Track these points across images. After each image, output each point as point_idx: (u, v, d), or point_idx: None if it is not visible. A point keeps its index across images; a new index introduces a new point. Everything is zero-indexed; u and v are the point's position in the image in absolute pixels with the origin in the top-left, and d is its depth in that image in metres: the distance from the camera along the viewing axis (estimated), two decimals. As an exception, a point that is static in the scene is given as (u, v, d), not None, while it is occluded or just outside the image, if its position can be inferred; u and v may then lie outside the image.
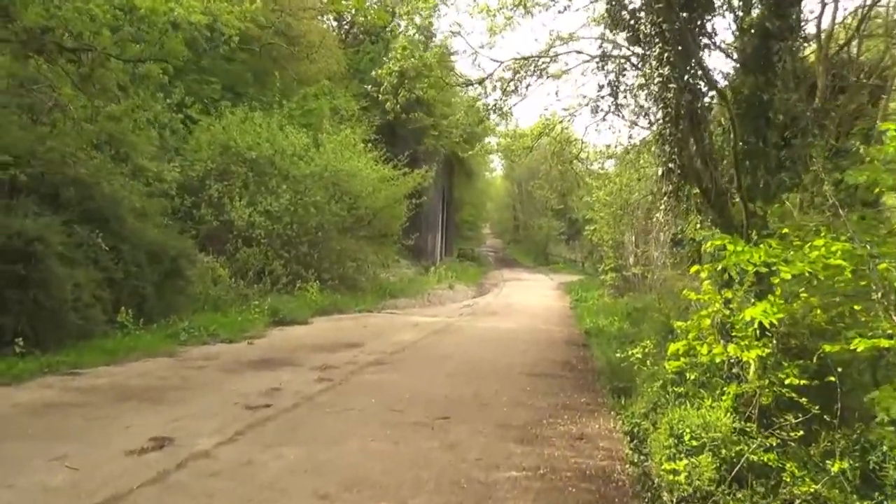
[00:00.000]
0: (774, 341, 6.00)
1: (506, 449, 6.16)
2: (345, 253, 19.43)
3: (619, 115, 14.80)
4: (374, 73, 13.69)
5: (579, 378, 9.96)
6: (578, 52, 12.45)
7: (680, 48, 6.74)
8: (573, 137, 16.48)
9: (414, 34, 15.00)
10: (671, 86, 6.59)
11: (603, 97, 14.06)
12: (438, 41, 17.44)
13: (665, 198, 7.06)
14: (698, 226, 13.46)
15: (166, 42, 12.06)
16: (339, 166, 18.37)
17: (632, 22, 7.42)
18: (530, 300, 23.75)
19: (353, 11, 30.31)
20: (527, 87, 12.66)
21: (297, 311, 14.84)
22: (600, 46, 11.45)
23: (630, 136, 15.69)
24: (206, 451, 5.60)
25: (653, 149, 16.40)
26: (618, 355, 7.22)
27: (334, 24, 33.71)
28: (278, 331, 13.38)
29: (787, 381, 5.49)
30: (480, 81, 13.36)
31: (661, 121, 6.84)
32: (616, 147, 15.89)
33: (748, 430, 5.50)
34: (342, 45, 33.18)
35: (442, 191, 36.74)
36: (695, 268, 6.55)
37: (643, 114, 15.66)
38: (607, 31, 10.97)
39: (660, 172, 7.29)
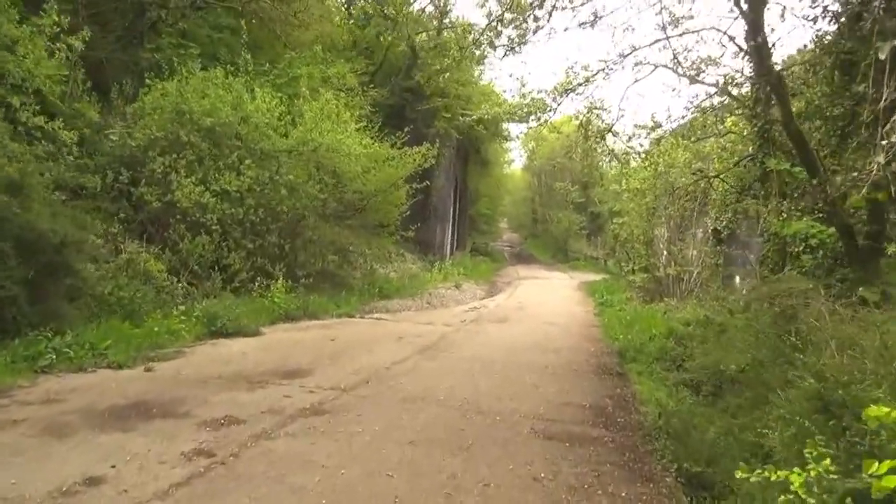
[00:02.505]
0: None
1: None
2: (326, 244, 15.73)
3: (674, 69, 10.99)
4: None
5: (623, 444, 6.18)
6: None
7: None
8: (607, 105, 12.59)
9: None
10: None
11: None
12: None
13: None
14: (782, 213, 9.59)
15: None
16: (318, 139, 14.64)
17: None
18: (547, 303, 19.93)
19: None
20: (549, 16, 8.80)
21: (246, 316, 11.19)
22: None
23: (685, 106, 11.63)
24: None
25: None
26: (742, 475, 3.33)
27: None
28: (210, 346, 9.74)
29: None
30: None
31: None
32: (666, 120, 12.00)
33: None
34: (349, 18, 29.54)
35: (454, 181, 32.95)
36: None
37: (705, 67, 11.82)
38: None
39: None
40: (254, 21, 18.81)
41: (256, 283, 12.93)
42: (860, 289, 7.10)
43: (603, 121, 12.20)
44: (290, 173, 14.24)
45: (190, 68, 14.10)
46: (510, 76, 45.72)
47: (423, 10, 29.86)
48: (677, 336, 12.37)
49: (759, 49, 7.63)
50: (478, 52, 10.02)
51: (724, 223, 18.44)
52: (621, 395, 8.28)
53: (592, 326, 15.04)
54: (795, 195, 9.18)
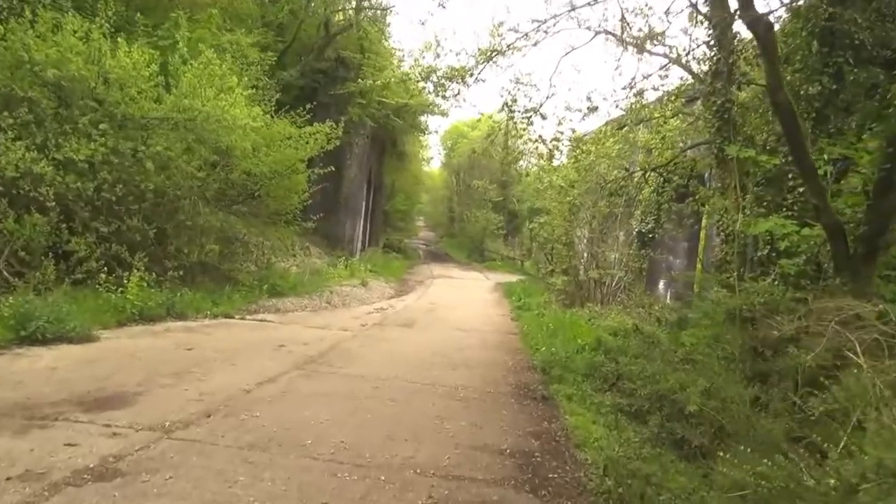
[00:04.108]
0: None
1: None
2: (206, 232, 13.13)
3: (619, 37, 9.17)
4: None
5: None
6: None
7: None
8: (535, 80, 10.64)
9: None
10: None
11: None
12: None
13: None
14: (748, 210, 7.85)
15: None
16: (197, 107, 12.04)
17: None
18: (461, 305, 17.97)
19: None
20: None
21: (80, 317, 8.55)
22: None
23: (624, 86, 9.89)
24: None
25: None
26: None
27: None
28: (9, 357, 7.10)
29: None
30: None
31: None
32: (604, 102, 10.13)
33: None
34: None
35: (368, 173, 30.54)
36: None
37: (651, 40, 10.01)
38: None
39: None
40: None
41: (105, 275, 10.22)
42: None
43: (531, 100, 10.28)
44: (158, 145, 11.61)
45: (37, 12, 11.25)
46: (421, 23, 42.32)
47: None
48: (606, 348, 10.68)
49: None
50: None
51: (651, 225, 17.01)
52: (550, 431, 6.31)
53: (510, 334, 13.14)
54: (760, 188, 7.53)
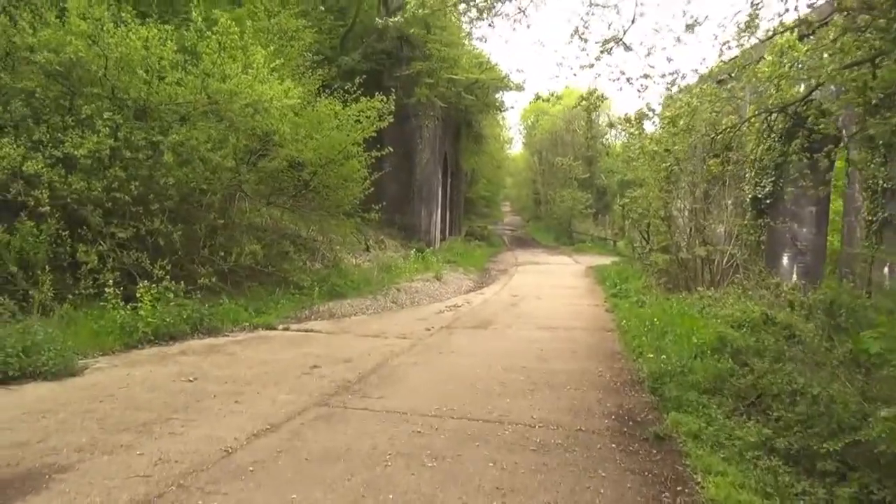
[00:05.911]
0: None
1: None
2: (245, 230, 11.35)
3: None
4: None
5: None
6: None
7: None
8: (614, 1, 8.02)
9: None
10: None
11: None
12: None
13: None
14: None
15: None
16: (222, 87, 10.19)
17: None
18: (547, 296, 15.49)
19: None
20: None
21: (59, 345, 6.75)
22: None
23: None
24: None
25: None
26: None
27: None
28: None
29: None
30: None
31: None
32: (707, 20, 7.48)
33: None
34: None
35: (443, 158, 28.34)
36: None
37: None
38: None
39: None
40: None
41: (112, 289, 8.40)
42: None
43: (610, 26, 7.73)
44: (178, 133, 9.83)
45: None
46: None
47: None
48: (733, 348, 8.04)
49: None
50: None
51: (768, 188, 14.05)
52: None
53: (606, 331, 10.62)
54: None
